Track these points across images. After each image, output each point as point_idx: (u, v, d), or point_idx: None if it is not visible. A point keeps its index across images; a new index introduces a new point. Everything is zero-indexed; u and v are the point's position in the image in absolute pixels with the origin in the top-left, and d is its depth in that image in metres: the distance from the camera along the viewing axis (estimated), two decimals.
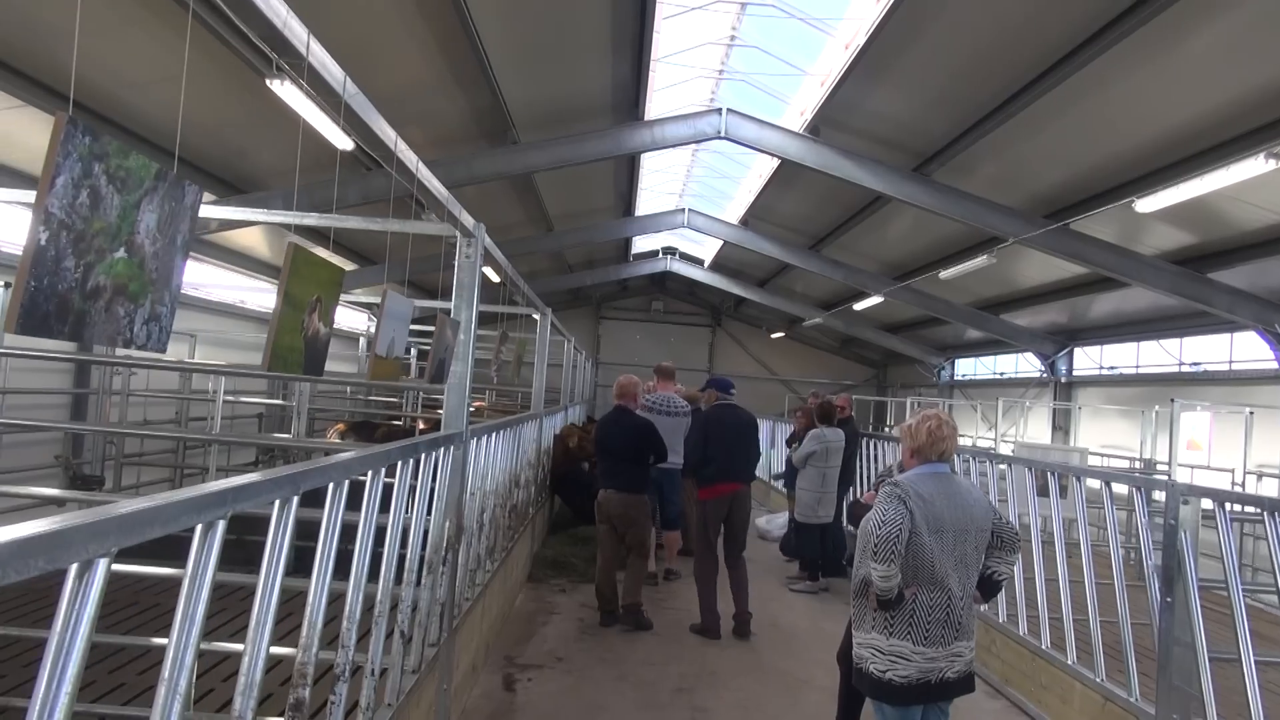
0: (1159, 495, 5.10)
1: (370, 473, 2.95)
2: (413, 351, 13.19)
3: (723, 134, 11.13)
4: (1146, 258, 11.11)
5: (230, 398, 10.19)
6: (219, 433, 8.17)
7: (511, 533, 7.34)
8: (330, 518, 2.58)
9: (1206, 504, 4.38)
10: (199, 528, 1.76)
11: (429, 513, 4.00)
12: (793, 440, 10.11)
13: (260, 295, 14.38)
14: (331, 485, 2.53)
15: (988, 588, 3.97)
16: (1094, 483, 5.75)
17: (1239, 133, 8.35)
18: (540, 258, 19.88)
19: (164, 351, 2.19)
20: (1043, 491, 6.36)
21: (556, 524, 11.56)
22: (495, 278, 13.62)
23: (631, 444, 7.23)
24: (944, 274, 13.17)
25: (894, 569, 3.64)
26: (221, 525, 1.81)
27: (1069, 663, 5.34)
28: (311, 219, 4.78)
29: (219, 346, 12.20)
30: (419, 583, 3.75)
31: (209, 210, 3.13)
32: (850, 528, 9.06)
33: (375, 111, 3.79)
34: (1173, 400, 9.79)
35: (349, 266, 15.59)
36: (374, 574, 3.08)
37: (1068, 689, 5.35)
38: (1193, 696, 4.17)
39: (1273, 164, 7.21)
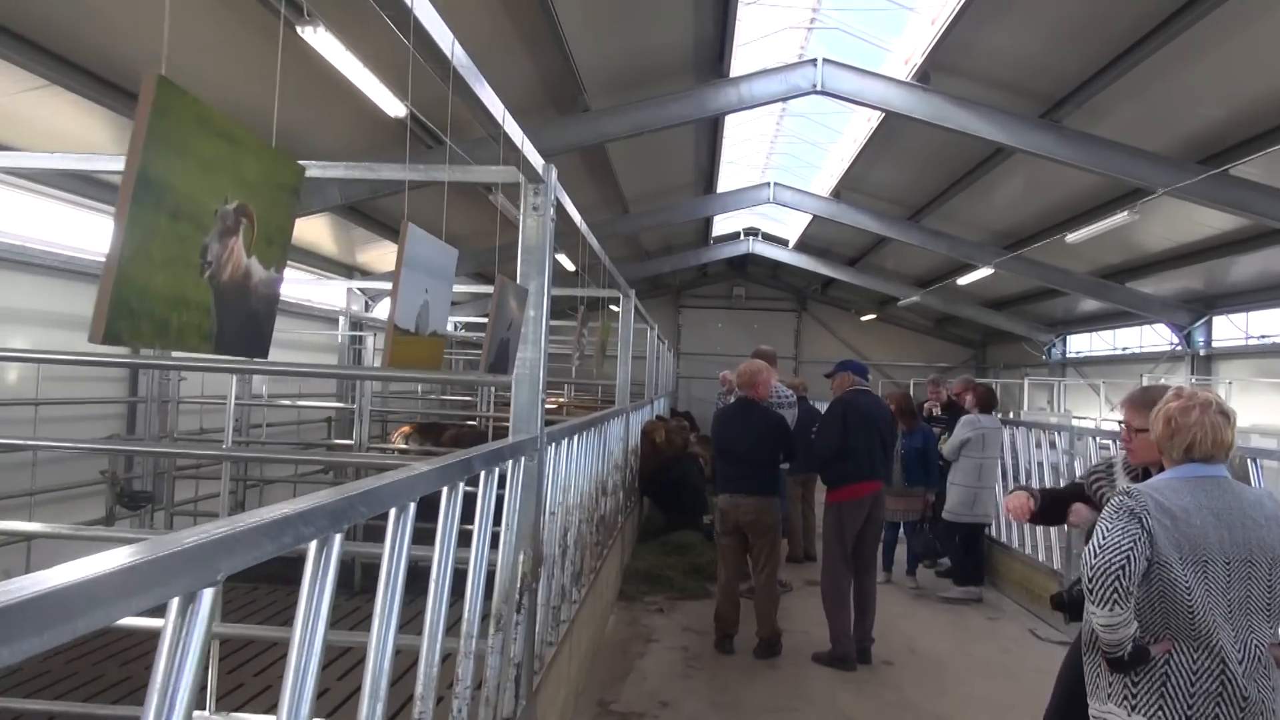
0: None
1: (395, 511, 1.92)
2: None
3: (819, 87, 9.89)
4: None
5: (288, 401, 9.42)
6: (265, 442, 7.32)
7: (600, 549, 6.30)
8: (317, 576, 1.56)
9: None
10: None
11: (496, 545, 2.97)
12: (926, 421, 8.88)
13: (326, 291, 13.63)
14: (313, 546, 1.50)
15: None
16: None
17: None
18: (616, 243, 18.81)
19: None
20: None
21: (646, 530, 10.51)
22: (569, 265, 12.76)
23: (765, 442, 6.15)
24: (1071, 237, 11.67)
25: (1120, 614, 2.53)
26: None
27: None
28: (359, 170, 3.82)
29: (286, 348, 11.48)
30: (475, 646, 2.71)
31: None
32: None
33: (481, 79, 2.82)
34: None
35: None
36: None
37: None
38: None
39: None
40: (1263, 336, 13.80)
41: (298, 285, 12.13)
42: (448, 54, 2.41)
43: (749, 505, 6.09)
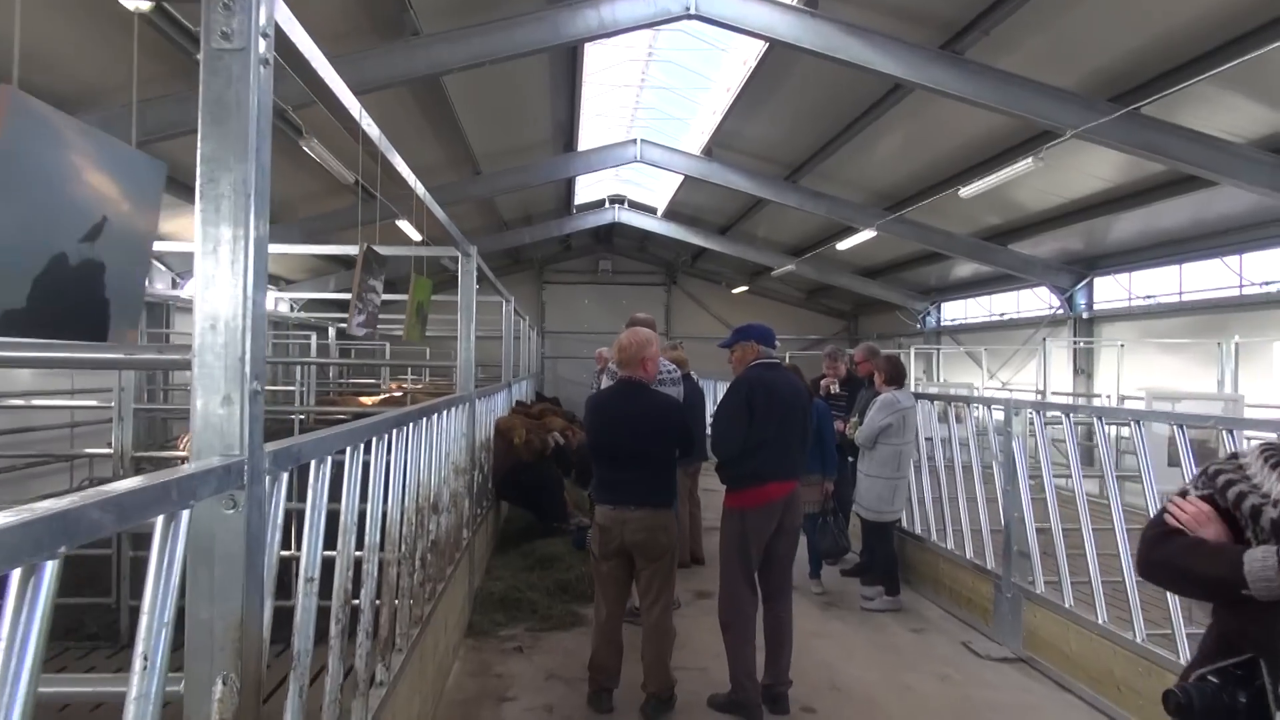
0: None
1: None
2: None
3: (692, 10, 8.44)
4: (1238, 147, 8.73)
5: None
6: None
7: (431, 586, 4.69)
8: None
9: None
10: None
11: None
12: (824, 399, 7.65)
13: None
14: None
15: None
16: None
17: None
18: (469, 211, 16.97)
19: None
20: None
21: (506, 535, 8.93)
22: (414, 234, 10.92)
23: (658, 436, 4.66)
24: (965, 190, 10.68)
25: None
26: None
27: None
28: None
29: None
30: None
31: None
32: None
33: None
34: None
35: None
36: None
37: None
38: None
39: None
40: (1147, 297, 13.33)
41: None
42: None
43: (638, 520, 4.59)
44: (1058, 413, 5.59)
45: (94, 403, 8.29)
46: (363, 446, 2.98)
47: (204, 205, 1.86)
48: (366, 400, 11.82)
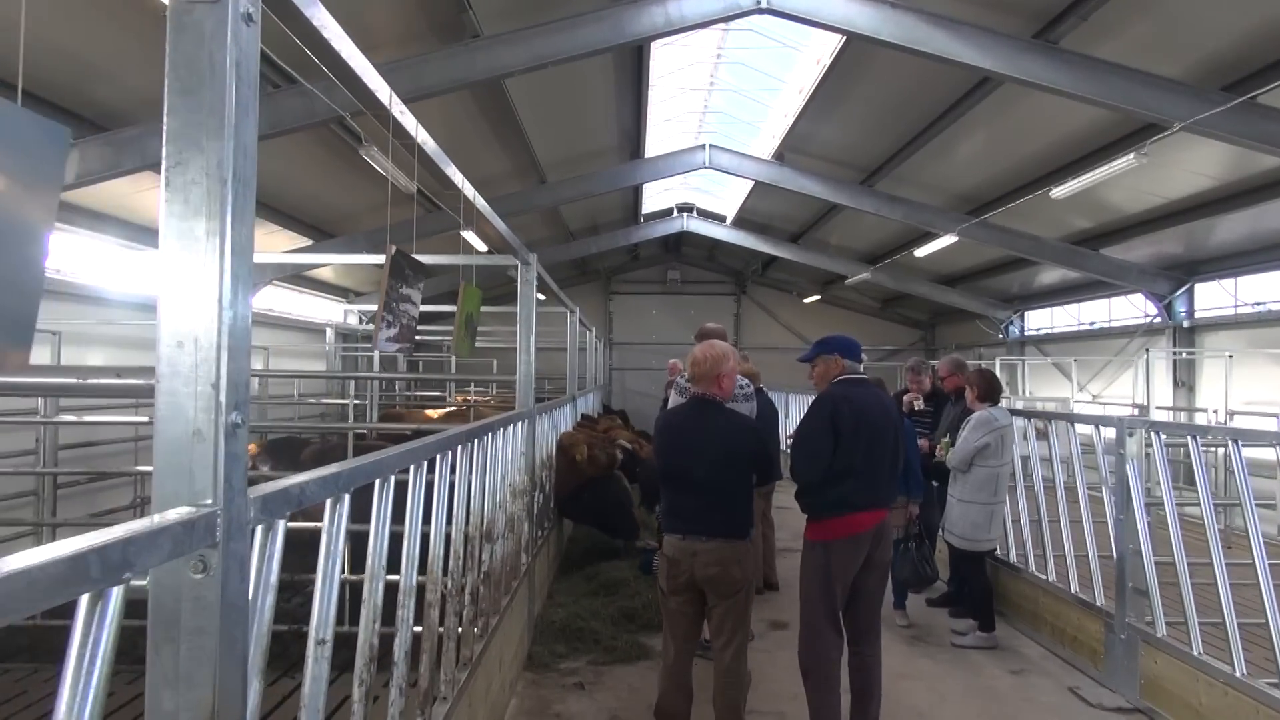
0: None
1: None
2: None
3: (764, 4, 8.00)
4: None
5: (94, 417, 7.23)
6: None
7: (484, 622, 4.33)
8: None
9: None
10: None
11: None
12: (907, 416, 7.11)
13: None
14: None
15: None
16: None
17: None
18: (535, 221, 16.75)
19: None
20: None
21: (569, 557, 8.57)
22: (479, 244, 10.69)
23: (733, 461, 4.22)
24: (1058, 191, 9.95)
25: None
26: None
27: None
28: None
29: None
30: None
31: None
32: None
33: None
34: None
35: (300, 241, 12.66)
36: None
37: None
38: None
39: None
40: (1257, 303, 12.36)
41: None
42: None
43: (710, 553, 4.14)
44: (1182, 434, 4.95)
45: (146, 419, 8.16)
46: (392, 479, 2.60)
47: (169, 195, 1.50)
48: (432, 414, 11.63)
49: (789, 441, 4.70)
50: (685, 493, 4.24)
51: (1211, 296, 13.39)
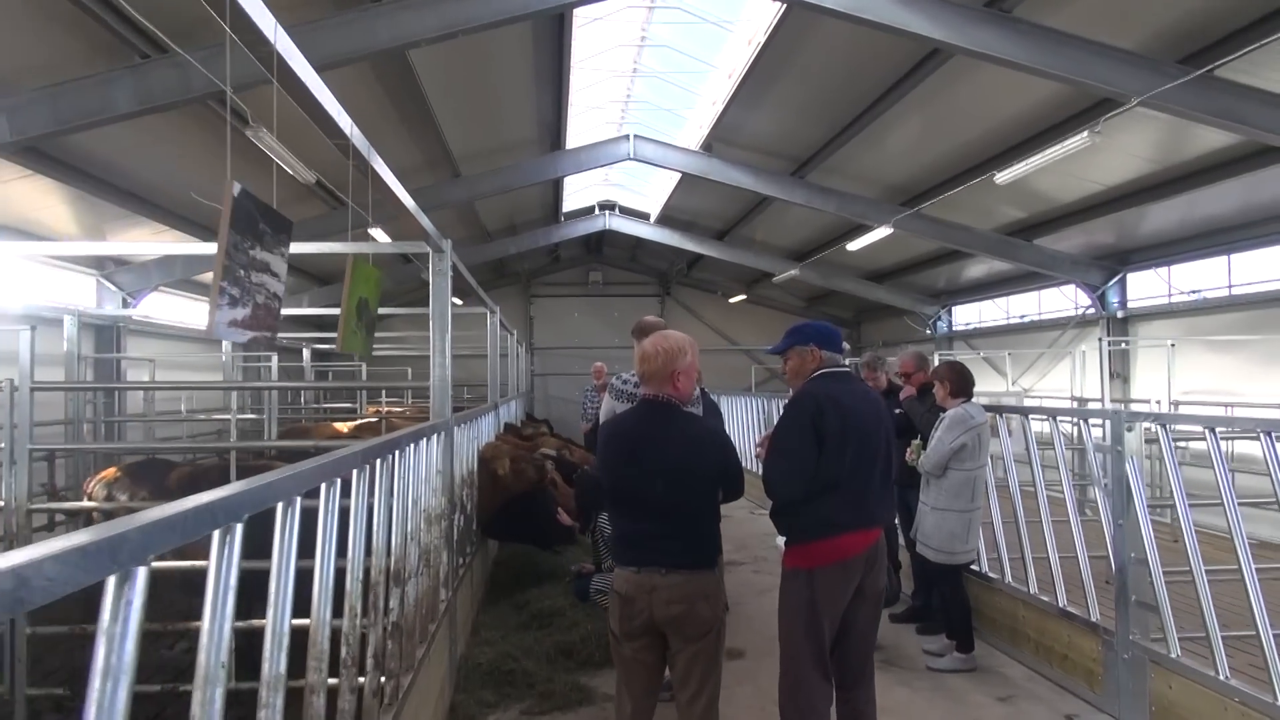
0: None
1: None
2: None
3: None
4: None
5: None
6: None
7: (393, 685, 3.47)
8: None
9: None
10: None
11: None
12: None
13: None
14: None
15: None
16: None
17: None
18: (450, 219, 15.73)
19: None
20: None
21: (496, 581, 7.72)
22: (383, 237, 9.68)
23: (697, 476, 3.44)
24: (1002, 176, 9.52)
25: None
26: None
27: None
28: None
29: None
30: None
31: None
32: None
33: None
34: None
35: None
36: None
37: None
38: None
39: None
40: (1191, 291, 12.19)
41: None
42: None
43: (673, 588, 3.35)
44: (1194, 427, 4.39)
45: None
46: (239, 527, 1.76)
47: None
48: (341, 427, 10.63)
49: (757, 450, 3.96)
50: (639, 516, 3.46)
51: (1145, 286, 13.24)
